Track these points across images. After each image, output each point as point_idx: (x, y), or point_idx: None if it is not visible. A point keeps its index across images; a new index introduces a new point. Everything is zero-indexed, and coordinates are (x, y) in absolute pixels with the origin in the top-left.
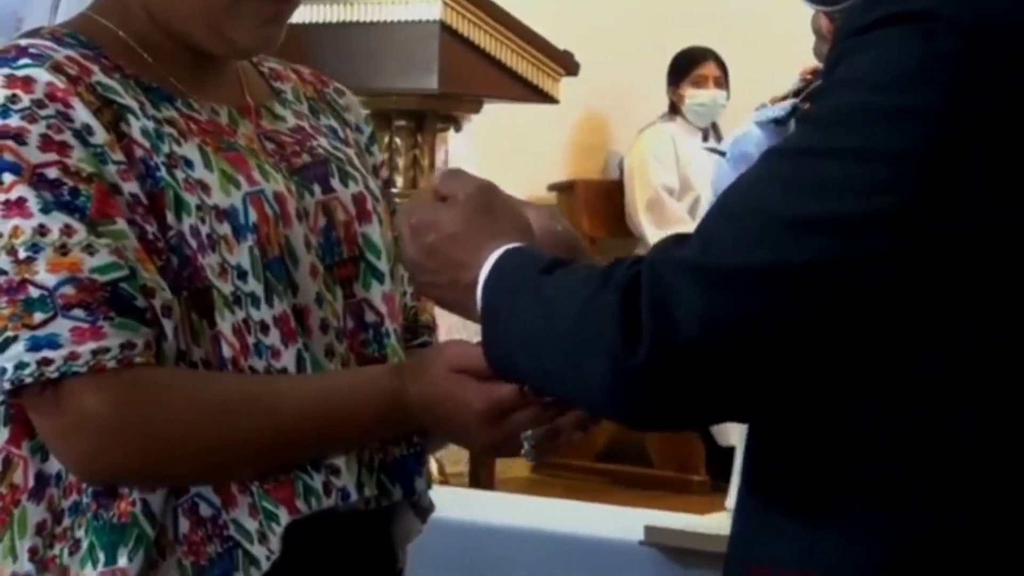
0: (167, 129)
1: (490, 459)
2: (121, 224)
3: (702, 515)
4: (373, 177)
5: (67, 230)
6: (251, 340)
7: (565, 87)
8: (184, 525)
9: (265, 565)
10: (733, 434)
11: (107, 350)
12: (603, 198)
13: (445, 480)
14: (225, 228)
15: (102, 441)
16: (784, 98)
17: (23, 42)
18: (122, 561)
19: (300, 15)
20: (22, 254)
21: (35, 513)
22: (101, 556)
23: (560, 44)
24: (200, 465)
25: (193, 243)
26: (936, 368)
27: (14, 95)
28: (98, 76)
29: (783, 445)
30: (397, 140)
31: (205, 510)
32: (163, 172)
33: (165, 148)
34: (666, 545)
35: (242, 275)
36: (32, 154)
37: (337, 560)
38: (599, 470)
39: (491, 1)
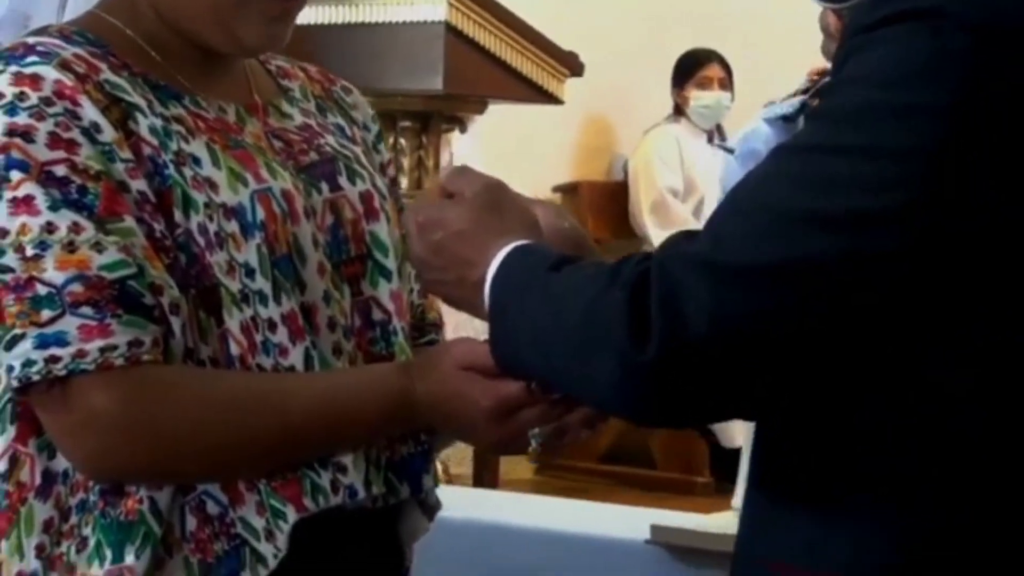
0: (175, 127)
1: (495, 458)
2: (129, 222)
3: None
4: (380, 175)
5: (75, 228)
6: (259, 338)
7: (567, 88)
8: (191, 523)
9: (272, 563)
10: (738, 435)
11: (115, 348)
12: (607, 200)
13: (449, 480)
14: (233, 226)
15: (110, 439)
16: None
17: (31, 40)
18: (129, 559)
19: (305, 16)
20: (30, 252)
21: (42, 511)
22: (108, 554)
23: (560, 44)
24: (208, 463)
25: (201, 241)
26: (944, 365)
27: (22, 93)
28: (106, 74)
29: (791, 442)
30: (402, 141)
31: (212, 508)
32: (171, 170)
33: (173, 146)
34: (672, 544)
35: (250, 273)
36: (40, 152)
37: (344, 558)
38: (603, 471)
39: (496, 2)
